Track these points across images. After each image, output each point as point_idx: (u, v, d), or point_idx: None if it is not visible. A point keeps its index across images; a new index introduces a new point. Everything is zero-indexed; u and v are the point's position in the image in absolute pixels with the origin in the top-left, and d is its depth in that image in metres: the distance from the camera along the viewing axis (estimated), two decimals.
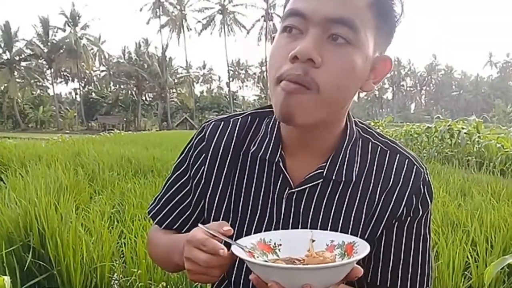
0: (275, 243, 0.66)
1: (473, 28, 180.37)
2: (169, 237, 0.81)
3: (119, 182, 5.19)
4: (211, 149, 0.78)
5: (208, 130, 0.80)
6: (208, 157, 0.78)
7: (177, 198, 0.83)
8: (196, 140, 0.81)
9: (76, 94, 59.82)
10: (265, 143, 0.75)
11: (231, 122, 0.80)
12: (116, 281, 2.53)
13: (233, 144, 0.78)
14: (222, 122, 0.80)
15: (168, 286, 2.36)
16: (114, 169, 5.96)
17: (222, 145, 0.78)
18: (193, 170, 0.80)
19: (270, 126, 0.76)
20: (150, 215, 0.86)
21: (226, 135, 0.78)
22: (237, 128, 0.78)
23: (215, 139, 0.78)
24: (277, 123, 0.75)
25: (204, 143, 0.79)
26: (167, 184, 0.84)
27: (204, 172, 0.79)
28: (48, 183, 4.08)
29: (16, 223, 2.61)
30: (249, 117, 0.80)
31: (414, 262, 0.74)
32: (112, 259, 2.58)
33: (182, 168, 0.82)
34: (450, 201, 3.93)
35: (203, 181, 0.79)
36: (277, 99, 0.63)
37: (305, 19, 0.61)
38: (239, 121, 0.79)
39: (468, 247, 2.56)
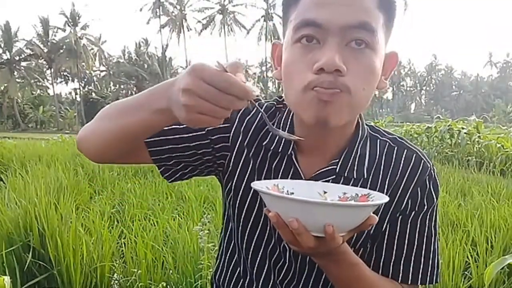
0: (287, 191, 0.66)
1: (473, 28, 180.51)
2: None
3: (119, 182, 5.19)
4: (234, 125, 0.77)
5: None
6: (232, 132, 0.76)
7: (175, 136, 0.75)
8: None
9: (76, 94, 59.77)
10: (277, 137, 0.75)
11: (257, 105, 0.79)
12: (116, 281, 2.53)
13: (253, 127, 0.77)
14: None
15: (168, 286, 2.36)
16: (114, 169, 5.96)
17: (244, 125, 0.77)
18: (213, 137, 0.76)
19: (282, 122, 0.77)
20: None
21: (250, 115, 0.77)
22: (259, 115, 0.78)
23: (237, 117, 0.77)
24: (290, 119, 0.76)
25: (227, 117, 0.77)
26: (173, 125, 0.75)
27: (228, 144, 0.76)
28: (48, 183, 4.08)
29: (16, 223, 2.61)
30: (273, 108, 0.80)
31: (417, 255, 0.74)
32: (112, 259, 2.58)
33: None
34: (450, 201, 3.93)
35: (219, 151, 0.77)
36: (309, 106, 0.63)
37: (321, 29, 0.61)
38: (263, 107, 0.79)
39: (468, 247, 2.56)
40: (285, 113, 0.77)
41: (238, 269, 0.84)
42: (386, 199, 0.59)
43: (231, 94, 0.50)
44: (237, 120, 0.77)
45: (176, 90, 0.53)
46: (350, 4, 0.61)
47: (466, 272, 2.52)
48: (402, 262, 0.74)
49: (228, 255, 0.86)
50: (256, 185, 0.60)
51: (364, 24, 0.61)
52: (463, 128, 10.01)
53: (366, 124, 0.78)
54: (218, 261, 0.91)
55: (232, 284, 0.85)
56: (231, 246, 0.86)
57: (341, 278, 0.67)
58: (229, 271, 0.86)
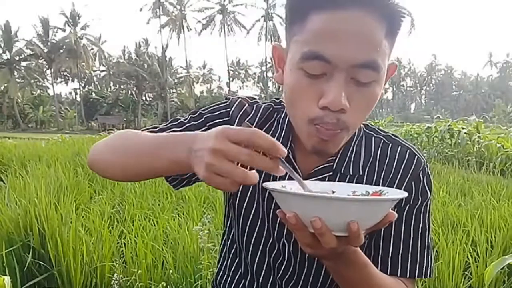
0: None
1: (473, 28, 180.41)
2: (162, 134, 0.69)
3: (119, 182, 5.19)
4: (234, 126, 0.77)
5: (234, 106, 0.79)
6: None
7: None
8: (221, 111, 0.79)
9: (76, 94, 59.80)
10: (275, 137, 0.77)
11: (254, 107, 0.80)
12: (116, 281, 2.53)
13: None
14: (247, 104, 0.80)
15: (168, 286, 2.36)
16: None
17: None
18: None
19: (280, 121, 0.79)
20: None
21: (249, 116, 0.78)
22: (258, 116, 0.79)
23: (237, 118, 0.78)
24: (287, 119, 0.77)
25: (229, 118, 0.79)
26: (173, 121, 0.80)
27: None
28: (48, 183, 4.08)
29: (16, 223, 2.61)
30: (270, 109, 0.81)
31: (413, 249, 0.75)
32: (112, 259, 2.58)
33: (198, 121, 0.79)
34: (450, 201, 3.93)
35: None
36: (309, 138, 0.68)
37: (330, 64, 0.61)
38: (261, 108, 0.80)
39: (468, 247, 2.56)
40: (283, 114, 0.79)
41: (240, 270, 0.85)
42: (404, 193, 0.57)
43: (255, 146, 0.50)
44: (236, 121, 0.78)
45: (202, 149, 0.52)
46: (360, 40, 0.60)
47: (466, 272, 2.52)
48: (399, 256, 0.75)
49: (230, 257, 0.87)
50: (269, 186, 0.57)
51: (373, 62, 0.61)
52: (463, 128, 10.03)
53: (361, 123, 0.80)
54: (219, 265, 0.91)
55: (233, 285, 0.85)
56: (233, 248, 0.86)
57: (349, 279, 0.67)
58: (231, 273, 0.86)
